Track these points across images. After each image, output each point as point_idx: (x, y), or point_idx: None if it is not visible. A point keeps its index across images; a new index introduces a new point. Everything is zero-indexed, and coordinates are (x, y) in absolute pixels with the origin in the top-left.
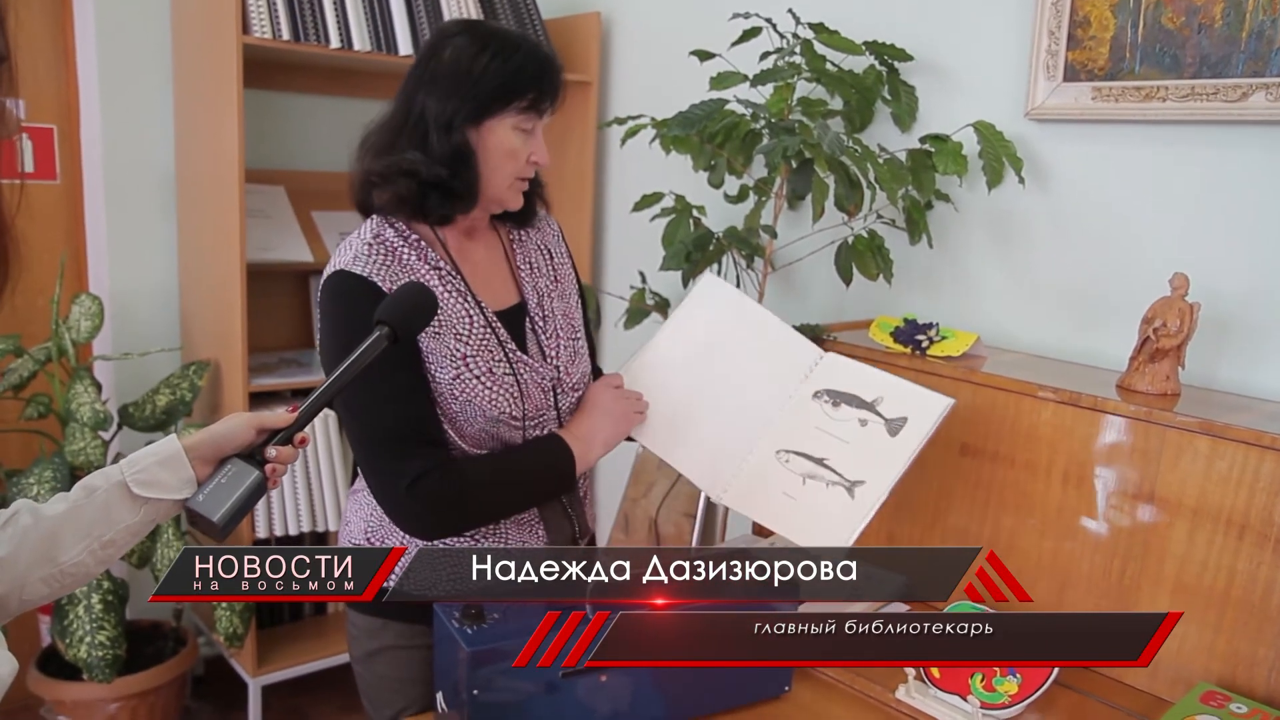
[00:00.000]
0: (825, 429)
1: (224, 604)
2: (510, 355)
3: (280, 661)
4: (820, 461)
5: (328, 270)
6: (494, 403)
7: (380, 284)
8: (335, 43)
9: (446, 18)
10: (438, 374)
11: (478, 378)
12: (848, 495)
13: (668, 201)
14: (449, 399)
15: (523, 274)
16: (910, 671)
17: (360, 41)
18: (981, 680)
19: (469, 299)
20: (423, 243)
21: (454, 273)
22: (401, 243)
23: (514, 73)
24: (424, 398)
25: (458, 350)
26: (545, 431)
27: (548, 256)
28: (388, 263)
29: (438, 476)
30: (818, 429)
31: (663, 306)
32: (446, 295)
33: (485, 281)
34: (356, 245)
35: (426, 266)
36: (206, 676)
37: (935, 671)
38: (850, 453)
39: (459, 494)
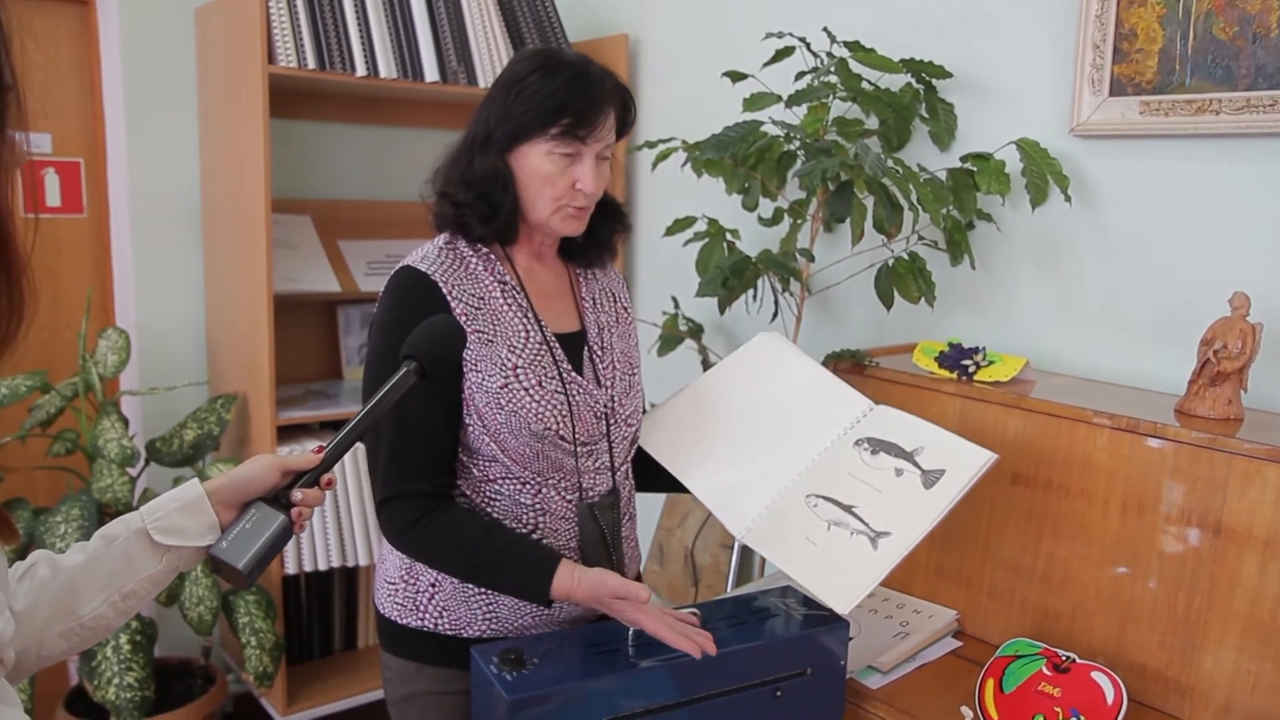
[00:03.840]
0: (859, 476)
1: (253, 641)
2: (564, 375)
3: (311, 699)
4: (849, 509)
5: (397, 267)
6: (540, 416)
7: (442, 284)
8: (361, 71)
9: (472, 44)
10: (486, 382)
11: (526, 390)
12: (870, 546)
13: (700, 226)
14: (495, 408)
15: (586, 305)
16: (968, 713)
17: (386, 69)
18: None
19: (529, 315)
20: (492, 257)
21: (518, 289)
22: (471, 254)
23: (547, 98)
24: (428, 421)
25: (509, 360)
26: (597, 462)
27: (613, 300)
28: (454, 268)
29: (403, 505)
30: (850, 475)
31: (696, 333)
32: (506, 309)
33: (549, 304)
34: (429, 248)
35: (492, 279)
36: (236, 715)
37: (994, 713)
38: (881, 502)
39: (411, 532)
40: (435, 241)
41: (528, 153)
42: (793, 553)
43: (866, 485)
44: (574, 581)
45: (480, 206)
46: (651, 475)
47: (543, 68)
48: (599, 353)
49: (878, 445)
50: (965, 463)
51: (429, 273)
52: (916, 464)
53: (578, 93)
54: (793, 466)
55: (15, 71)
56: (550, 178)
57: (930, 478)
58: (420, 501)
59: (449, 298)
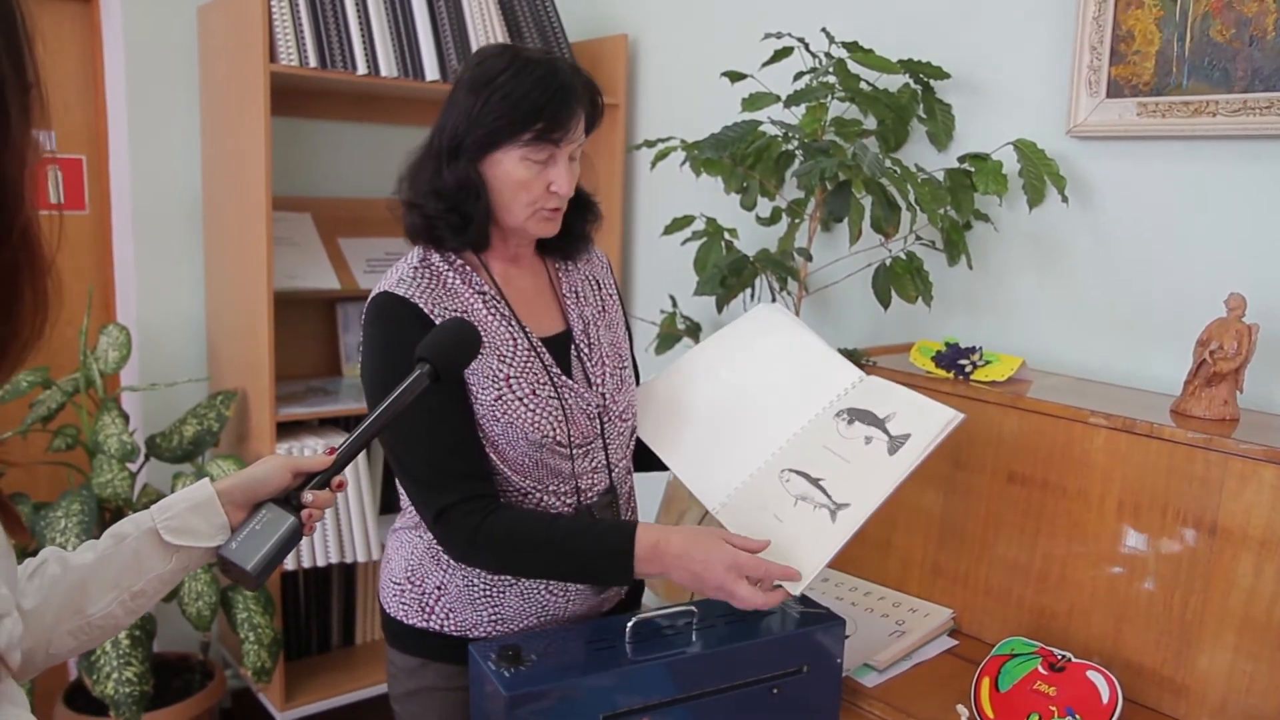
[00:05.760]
0: (832, 447)
1: (252, 637)
2: (555, 380)
3: (309, 695)
4: (816, 482)
5: (373, 292)
6: (536, 425)
7: (423, 307)
8: (362, 69)
9: (473, 42)
10: (480, 395)
11: (520, 399)
12: (830, 520)
13: (699, 225)
14: (490, 420)
15: (568, 302)
16: (963, 711)
17: (387, 68)
18: None
19: (513, 323)
20: (468, 268)
21: (499, 297)
22: (447, 267)
23: (518, 103)
24: (460, 427)
25: (501, 371)
26: (593, 462)
27: (595, 287)
28: (432, 286)
29: (465, 510)
30: (825, 448)
31: (694, 331)
32: (490, 319)
33: (530, 308)
34: (403, 268)
35: (471, 291)
36: (234, 710)
37: (990, 712)
38: (847, 473)
39: (481, 534)
40: (409, 260)
41: (500, 160)
42: (759, 533)
43: (837, 456)
44: (657, 553)
45: (452, 218)
46: (646, 456)
47: (509, 69)
48: (586, 351)
49: (855, 415)
50: (929, 424)
51: (406, 296)
52: (886, 430)
53: (549, 95)
54: (774, 442)
55: (36, 70)
56: (525, 183)
57: (895, 443)
58: (479, 504)
59: (431, 316)
